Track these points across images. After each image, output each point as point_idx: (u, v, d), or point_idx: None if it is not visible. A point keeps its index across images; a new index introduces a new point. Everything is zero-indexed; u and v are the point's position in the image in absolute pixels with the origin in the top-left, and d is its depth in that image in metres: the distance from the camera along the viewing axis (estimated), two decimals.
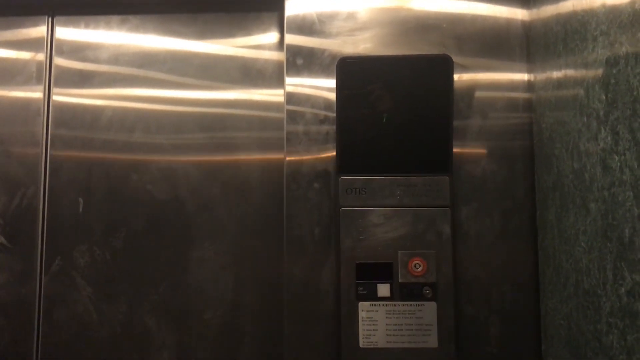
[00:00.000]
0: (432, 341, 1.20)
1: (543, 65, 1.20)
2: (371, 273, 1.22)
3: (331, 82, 1.29)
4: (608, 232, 0.89)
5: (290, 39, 1.32)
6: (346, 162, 1.25)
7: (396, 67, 1.26)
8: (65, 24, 1.45)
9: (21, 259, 1.39)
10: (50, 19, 1.46)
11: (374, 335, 1.20)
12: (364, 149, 1.25)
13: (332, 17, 1.32)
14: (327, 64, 1.30)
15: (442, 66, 1.25)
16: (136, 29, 1.44)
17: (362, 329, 1.21)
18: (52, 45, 1.45)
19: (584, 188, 0.98)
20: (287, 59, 1.32)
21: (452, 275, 1.21)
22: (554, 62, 1.13)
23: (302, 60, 1.31)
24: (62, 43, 1.45)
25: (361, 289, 1.21)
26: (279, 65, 1.40)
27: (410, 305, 1.20)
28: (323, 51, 1.31)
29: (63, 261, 1.38)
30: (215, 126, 1.40)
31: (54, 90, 1.43)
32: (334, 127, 1.27)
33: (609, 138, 0.88)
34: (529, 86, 1.28)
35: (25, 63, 1.45)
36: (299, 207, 1.28)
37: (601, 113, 0.91)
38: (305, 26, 1.32)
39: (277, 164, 1.36)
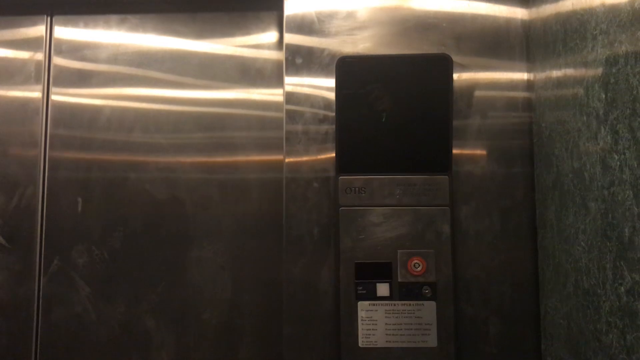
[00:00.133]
0: (432, 340, 1.20)
1: (543, 65, 1.20)
2: (370, 273, 1.21)
3: (330, 82, 1.29)
4: (608, 231, 0.89)
5: (290, 38, 1.32)
6: (345, 162, 1.25)
7: (395, 66, 1.26)
8: (64, 24, 1.45)
9: (20, 259, 1.39)
10: (49, 18, 1.45)
11: (374, 334, 1.20)
12: (364, 149, 1.25)
13: (331, 16, 1.31)
14: (326, 63, 1.30)
15: (441, 65, 1.25)
16: (135, 28, 1.43)
17: (362, 328, 1.20)
18: (50, 45, 1.45)
19: (584, 187, 0.98)
20: (287, 58, 1.32)
21: (451, 274, 1.21)
22: (554, 62, 1.13)
23: (301, 60, 1.31)
24: (61, 42, 1.45)
25: (360, 288, 1.21)
26: (278, 64, 1.40)
27: (410, 304, 1.20)
28: (322, 50, 1.31)
29: (62, 261, 1.38)
30: (214, 126, 1.40)
31: (53, 89, 1.43)
32: (333, 126, 1.27)
33: (609, 137, 0.88)
34: (529, 85, 1.27)
35: (24, 62, 1.44)
36: (298, 207, 1.28)
37: (601, 112, 0.91)
38: (304, 25, 1.32)
39: (276, 164, 1.36)
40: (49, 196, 1.40)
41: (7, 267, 1.39)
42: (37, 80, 1.43)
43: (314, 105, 1.30)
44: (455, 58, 1.27)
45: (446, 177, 1.24)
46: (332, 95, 1.28)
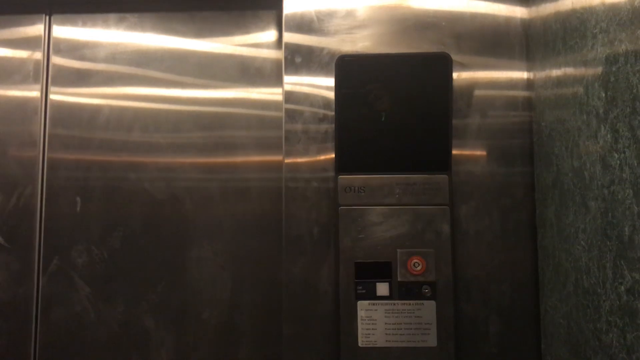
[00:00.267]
0: (432, 340, 1.20)
1: (542, 64, 1.20)
2: (370, 272, 1.21)
3: (330, 81, 1.28)
4: (608, 230, 0.89)
5: (289, 37, 1.32)
6: (345, 161, 1.25)
7: (395, 65, 1.26)
8: (63, 23, 1.45)
9: (19, 259, 1.39)
10: (47, 18, 1.45)
11: (373, 334, 1.20)
12: (363, 148, 1.25)
13: (330, 15, 1.31)
14: (325, 62, 1.30)
15: (441, 64, 1.25)
16: (134, 27, 1.43)
17: (361, 328, 1.20)
18: (49, 44, 1.45)
19: (584, 186, 0.98)
20: (286, 57, 1.31)
21: (451, 274, 1.21)
22: (554, 60, 1.13)
23: (300, 59, 1.31)
24: (59, 41, 1.45)
25: (360, 288, 1.21)
26: (277, 63, 1.40)
27: (410, 304, 1.20)
28: (322, 49, 1.31)
29: (61, 261, 1.38)
30: (213, 125, 1.40)
31: (52, 89, 1.43)
32: (333, 125, 1.27)
33: (609, 136, 0.88)
34: (529, 84, 1.27)
35: (22, 62, 1.44)
36: (297, 206, 1.27)
37: (601, 111, 0.91)
38: (303, 24, 1.32)
39: (275, 163, 1.36)
40: (48, 196, 1.40)
41: (6, 267, 1.39)
42: (36, 80, 1.43)
43: (313, 105, 1.30)
44: (455, 57, 1.27)
45: (446, 176, 1.23)
46: (331, 95, 1.28)
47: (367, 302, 1.21)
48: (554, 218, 1.13)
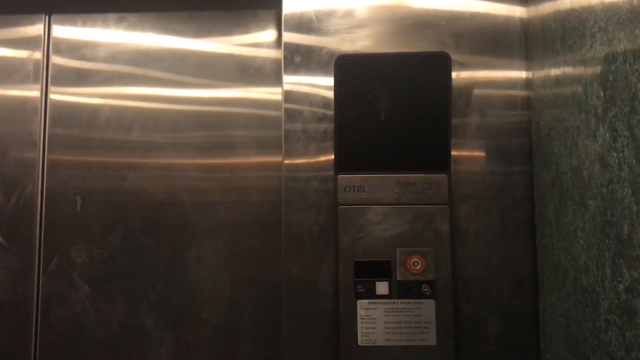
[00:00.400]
0: (431, 339, 1.20)
1: (541, 63, 1.20)
2: (370, 271, 1.22)
3: (329, 80, 1.29)
4: (606, 229, 0.89)
5: (288, 36, 1.32)
6: (344, 160, 1.25)
7: (394, 64, 1.26)
8: (63, 22, 1.45)
9: (19, 258, 1.39)
10: (47, 17, 1.45)
11: (373, 333, 1.20)
12: (362, 147, 1.25)
13: (330, 14, 1.31)
14: (325, 61, 1.30)
15: (440, 64, 1.25)
16: (133, 27, 1.43)
17: (361, 327, 1.21)
18: (49, 44, 1.45)
19: (583, 185, 0.98)
20: (285, 57, 1.32)
21: (450, 273, 1.21)
22: (552, 60, 1.13)
23: (300, 58, 1.31)
24: (59, 41, 1.45)
25: (360, 287, 1.21)
26: (276, 63, 1.40)
27: (409, 303, 1.21)
28: (321, 49, 1.31)
29: (61, 260, 1.38)
30: (213, 124, 1.40)
31: (51, 88, 1.43)
32: (332, 125, 1.27)
33: (608, 135, 0.88)
34: (527, 84, 1.28)
35: (22, 61, 1.44)
36: (297, 205, 1.28)
37: (599, 110, 0.91)
38: (303, 24, 1.32)
39: (275, 163, 1.36)
40: (48, 195, 1.40)
41: (6, 266, 1.39)
42: (36, 79, 1.43)
43: (312, 104, 1.30)
44: (454, 56, 1.27)
45: (445, 175, 1.24)
46: (330, 94, 1.28)
47: (366, 301, 1.21)
48: (552, 217, 1.13)
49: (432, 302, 1.20)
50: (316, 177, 1.28)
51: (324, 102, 1.29)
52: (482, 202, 1.26)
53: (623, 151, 0.83)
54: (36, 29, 1.45)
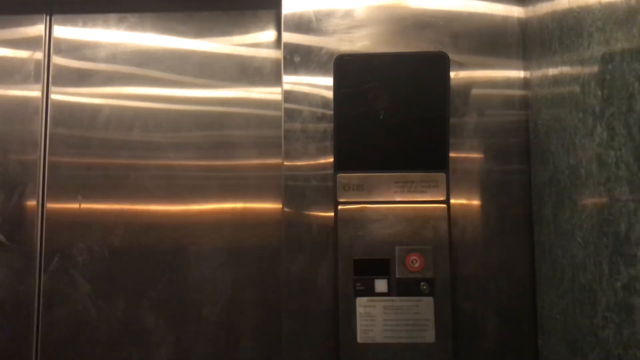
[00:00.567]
0: (430, 336, 1.20)
1: (539, 62, 1.21)
2: (369, 269, 1.22)
3: (329, 80, 1.29)
4: (604, 227, 0.90)
5: (288, 36, 1.32)
6: (344, 159, 1.26)
7: (393, 64, 1.27)
8: (63, 23, 1.45)
9: (20, 257, 1.39)
10: (48, 18, 1.46)
11: (372, 330, 1.21)
12: (362, 146, 1.26)
13: (329, 14, 1.32)
14: (324, 61, 1.31)
15: (438, 63, 1.26)
16: (134, 27, 1.44)
17: (360, 324, 1.21)
18: (50, 44, 1.45)
19: (580, 184, 0.99)
20: (285, 57, 1.32)
21: (449, 270, 1.22)
22: (550, 59, 1.14)
23: (299, 58, 1.31)
24: (60, 42, 1.45)
25: (359, 284, 1.22)
26: (276, 63, 1.40)
27: (408, 300, 1.21)
28: (320, 49, 1.31)
29: (62, 259, 1.38)
30: (213, 124, 1.40)
31: (52, 88, 1.43)
32: (332, 124, 1.28)
33: (605, 134, 0.89)
34: (525, 83, 1.28)
35: (23, 62, 1.45)
36: (296, 204, 1.28)
37: (597, 109, 0.91)
38: (302, 24, 1.32)
39: (275, 162, 1.36)
40: (49, 194, 1.41)
41: (8, 265, 1.39)
42: (37, 80, 1.43)
43: (312, 104, 1.30)
44: (452, 56, 1.28)
45: (443, 174, 1.24)
46: (330, 94, 1.29)
47: (365, 298, 1.21)
48: (550, 215, 1.14)
49: (430, 299, 1.21)
50: (316, 176, 1.28)
51: (323, 101, 1.30)
52: (480, 201, 1.26)
53: (620, 150, 0.84)
54: (37, 29, 1.45)
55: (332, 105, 1.28)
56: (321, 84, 1.30)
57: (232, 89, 1.41)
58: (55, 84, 1.43)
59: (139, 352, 1.36)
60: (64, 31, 1.45)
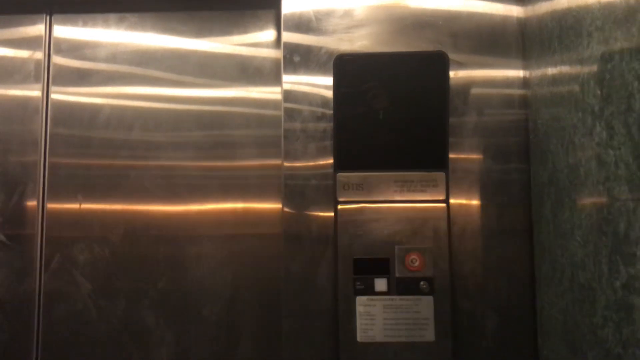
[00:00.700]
0: (429, 335, 1.20)
1: (538, 62, 1.21)
2: (368, 268, 1.22)
3: (328, 80, 1.29)
4: (603, 227, 0.90)
5: (287, 36, 1.32)
6: (343, 159, 1.26)
7: (392, 64, 1.27)
8: (64, 22, 1.45)
9: (21, 256, 1.39)
10: (48, 17, 1.46)
11: (372, 329, 1.21)
12: (361, 146, 1.26)
13: (328, 14, 1.32)
14: (324, 61, 1.31)
15: (438, 63, 1.26)
16: (134, 27, 1.44)
17: (360, 323, 1.21)
18: (50, 44, 1.45)
19: (579, 183, 0.99)
20: (285, 57, 1.32)
21: (448, 269, 1.22)
22: (549, 59, 1.14)
23: (299, 58, 1.32)
24: (60, 41, 1.45)
25: (359, 283, 1.22)
26: (276, 62, 1.40)
27: (407, 299, 1.21)
28: (320, 48, 1.31)
29: (62, 258, 1.39)
30: (213, 123, 1.40)
31: (53, 88, 1.43)
32: (332, 124, 1.28)
33: (604, 133, 0.89)
34: (525, 83, 1.28)
35: (23, 61, 1.45)
36: (296, 203, 1.28)
37: (596, 108, 0.92)
38: (302, 24, 1.32)
39: (274, 161, 1.36)
40: (50, 193, 1.41)
41: (8, 264, 1.39)
42: (37, 79, 1.44)
43: (312, 103, 1.30)
44: (452, 56, 1.28)
45: (443, 173, 1.24)
46: (329, 93, 1.29)
47: (365, 297, 1.22)
48: (549, 214, 1.14)
49: (430, 298, 1.21)
50: (315, 175, 1.28)
51: (323, 101, 1.30)
52: (480, 200, 1.27)
53: (620, 149, 0.84)
54: (37, 29, 1.46)
55: (331, 104, 1.28)
56: (321, 84, 1.30)
57: (232, 88, 1.41)
58: (56, 83, 1.43)
59: (139, 351, 1.36)
60: (64, 31, 1.45)
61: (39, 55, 1.45)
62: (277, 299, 1.30)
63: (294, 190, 1.29)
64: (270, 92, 1.41)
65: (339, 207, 1.25)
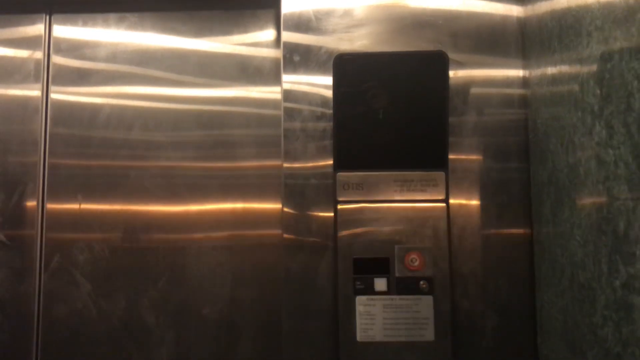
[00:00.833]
0: (429, 335, 1.20)
1: (538, 61, 1.21)
2: (368, 268, 1.22)
3: (328, 79, 1.29)
4: (603, 226, 0.90)
5: (287, 36, 1.32)
6: (343, 158, 1.26)
7: (392, 63, 1.27)
8: (63, 22, 1.45)
9: (21, 256, 1.39)
10: (48, 17, 1.46)
11: (372, 329, 1.21)
12: (361, 145, 1.26)
13: (328, 14, 1.32)
14: (323, 60, 1.31)
15: (437, 62, 1.26)
16: (134, 26, 1.44)
17: (360, 323, 1.21)
18: (50, 43, 1.45)
19: (579, 182, 0.99)
20: (284, 56, 1.32)
21: (448, 269, 1.22)
22: (549, 58, 1.14)
23: (299, 57, 1.32)
24: (59, 41, 1.45)
25: (358, 283, 1.22)
26: (276, 62, 1.40)
27: (407, 299, 1.21)
28: (320, 48, 1.31)
29: (62, 258, 1.39)
30: (213, 123, 1.40)
31: (52, 88, 1.43)
32: (331, 123, 1.28)
33: (604, 132, 0.89)
34: (524, 82, 1.28)
35: (23, 61, 1.45)
36: (296, 203, 1.28)
37: (596, 108, 0.92)
38: (301, 23, 1.32)
39: (274, 161, 1.36)
40: (49, 193, 1.41)
41: (8, 264, 1.39)
42: (37, 79, 1.44)
43: (311, 103, 1.30)
44: (452, 55, 1.28)
45: (443, 173, 1.24)
46: (329, 93, 1.29)
47: (365, 297, 1.22)
48: (549, 214, 1.14)
49: (430, 298, 1.21)
50: (315, 175, 1.28)
51: (322, 101, 1.30)
52: (480, 199, 1.27)
53: (619, 148, 0.84)
54: (37, 28, 1.45)
55: (331, 104, 1.28)
56: (320, 83, 1.30)
57: (231, 88, 1.41)
58: (55, 83, 1.43)
59: (139, 351, 1.36)
60: (63, 31, 1.45)
61: (38, 55, 1.45)
62: (277, 298, 1.30)
63: (294, 189, 1.29)
64: (270, 92, 1.41)
65: (339, 206, 1.25)
